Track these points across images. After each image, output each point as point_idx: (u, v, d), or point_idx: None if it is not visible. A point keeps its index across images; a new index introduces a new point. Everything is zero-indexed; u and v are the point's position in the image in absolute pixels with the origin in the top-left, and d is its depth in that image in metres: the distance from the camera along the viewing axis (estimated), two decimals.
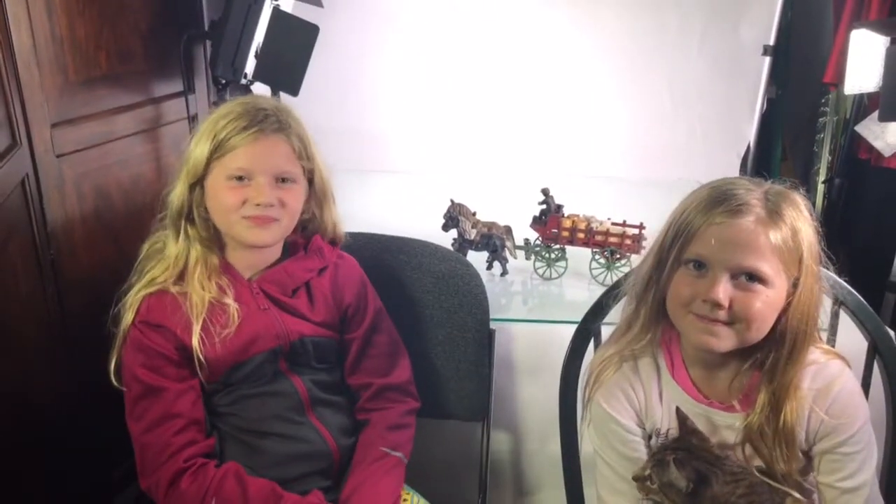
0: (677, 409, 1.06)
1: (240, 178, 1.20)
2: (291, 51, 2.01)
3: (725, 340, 1.00)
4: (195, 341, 1.19)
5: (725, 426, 1.07)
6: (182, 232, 1.25)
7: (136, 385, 1.22)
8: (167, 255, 1.26)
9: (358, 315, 1.34)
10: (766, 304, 0.99)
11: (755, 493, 1.01)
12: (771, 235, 0.98)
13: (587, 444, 1.24)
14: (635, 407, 1.11)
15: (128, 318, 1.24)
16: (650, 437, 1.12)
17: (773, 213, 0.99)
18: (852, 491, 1.04)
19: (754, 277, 0.98)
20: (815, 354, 1.06)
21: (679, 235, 1.02)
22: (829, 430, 1.03)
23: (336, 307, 1.32)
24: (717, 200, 1.00)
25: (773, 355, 1.03)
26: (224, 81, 1.99)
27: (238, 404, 1.25)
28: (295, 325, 1.26)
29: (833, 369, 1.06)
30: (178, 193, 1.25)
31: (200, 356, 1.20)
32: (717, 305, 0.98)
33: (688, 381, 1.09)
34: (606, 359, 1.13)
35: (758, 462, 1.05)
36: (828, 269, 1.08)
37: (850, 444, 1.03)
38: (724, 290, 0.98)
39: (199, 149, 1.22)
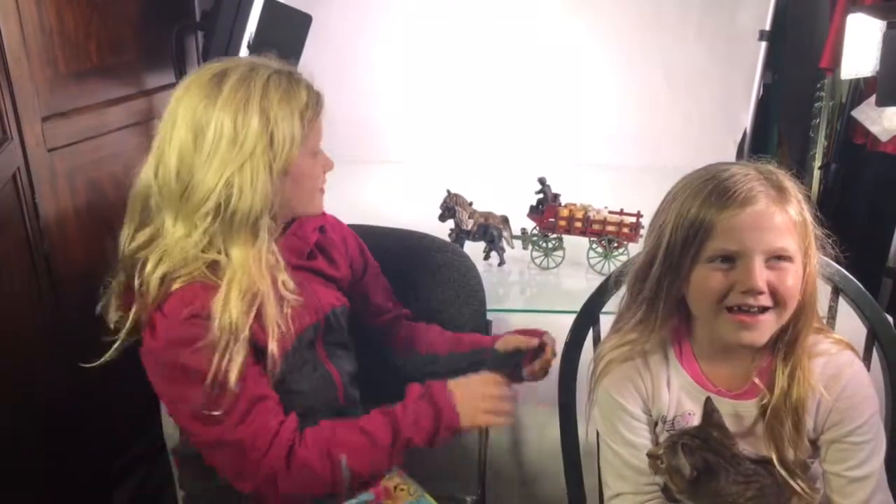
0: (707, 399, 1.05)
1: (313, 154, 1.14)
2: (284, 41, 2.00)
3: (765, 331, 1.01)
4: (273, 348, 1.07)
5: (732, 415, 1.07)
6: (259, 233, 1.07)
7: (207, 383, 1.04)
8: (201, 256, 1.06)
9: (363, 256, 1.36)
10: (796, 279, 1.00)
11: (764, 495, 1.01)
12: (789, 210, 1.00)
13: (585, 432, 1.24)
14: (642, 394, 1.11)
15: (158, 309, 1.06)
16: (656, 424, 1.12)
17: (780, 190, 1.00)
18: (860, 480, 1.04)
19: (782, 257, 0.99)
20: (826, 345, 1.07)
21: (692, 235, 1.00)
22: (838, 419, 1.04)
23: (348, 256, 1.31)
24: (723, 194, 0.99)
25: (788, 331, 1.03)
26: None
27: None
28: (327, 298, 1.22)
29: (844, 359, 1.06)
30: (260, 189, 1.04)
31: (276, 356, 1.08)
32: (758, 292, 0.98)
33: (696, 369, 1.10)
34: (616, 349, 1.12)
35: (764, 451, 1.05)
36: (828, 238, 1.08)
37: (859, 433, 1.03)
38: (761, 276, 0.98)
39: (284, 130, 1.06)
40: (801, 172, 1.08)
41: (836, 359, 1.06)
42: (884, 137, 2.12)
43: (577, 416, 1.25)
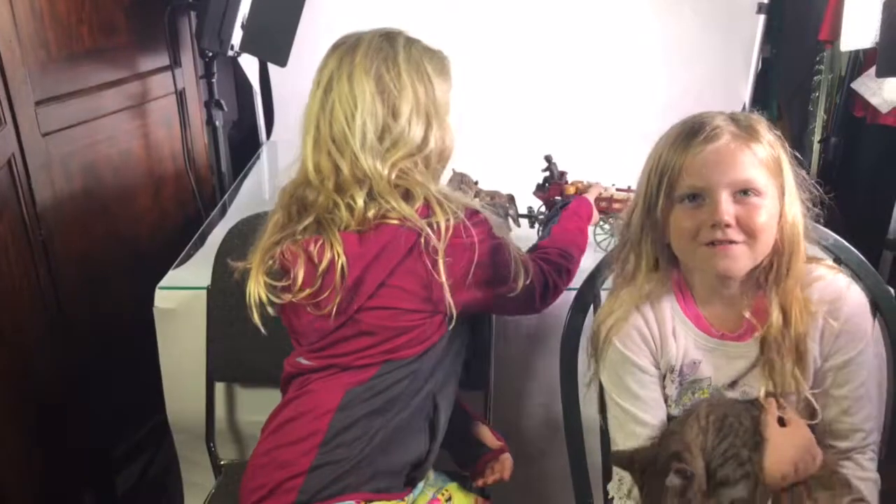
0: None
1: None
2: (278, 20, 1.98)
3: (740, 260, 1.02)
4: None
5: (736, 357, 1.09)
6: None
7: None
8: None
9: None
10: (768, 214, 1.02)
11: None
12: (752, 147, 1.02)
13: (588, 407, 1.25)
14: (651, 347, 1.12)
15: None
16: (664, 377, 1.13)
17: (747, 128, 1.03)
18: (864, 397, 1.07)
19: (749, 191, 1.01)
20: (821, 270, 1.09)
21: (664, 177, 1.04)
22: (845, 342, 1.06)
23: None
24: (690, 133, 1.03)
25: (774, 267, 1.05)
26: (211, 54, 1.96)
27: None
28: None
29: (842, 282, 1.08)
30: (452, 136, 1.22)
31: None
32: (725, 226, 1.00)
33: (698, 315, 1.11)
34: (616, 309, 1.13)
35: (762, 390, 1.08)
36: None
37: (864, 353, 1.06)
38: (727, 209, 1.00)
39: (446, 91, 1.21)
40: (800, 146, 1.10)
41: (834, 282, 1.08)
42: (884, 109, 2.11)
43: (579, 391, 1.26)
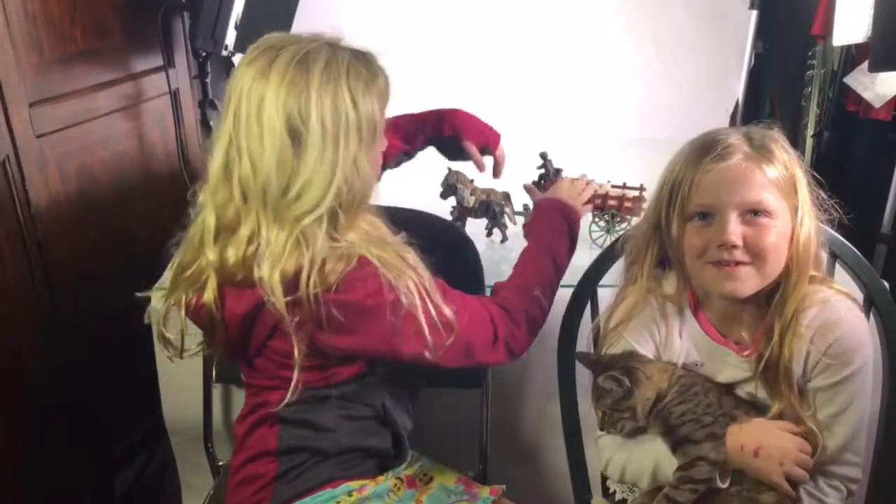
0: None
1: None
2: (272, 20, 1.96)
3: (747, 282, 1.01)
4: None
5: (738, 366, 1.09)
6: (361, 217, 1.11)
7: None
8: None
9: None
10: (778, 236, 1.01)
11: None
12: (764, 168, 1.01)
13: (586, 406, 1.25)
14: (656, 340, 1.13)
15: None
16: None
17: (760, 148, 1.03)
18: (839, 425, 1.05)
19: (759, 212, 1.00)
20: (823, 294, 1.07)
21: (675, 192, 1.04)
22: (826, 367, 1.04)
23: None
24: (703, 150, 1.03)
25: (780, 289, 1.05)
26: (204, 54, 1.96)
27: None
28: None
29: (841, 308, 1.06)
30: (364, 175, 1.05)
31: None
32: (732, 246, 0.99)
33: (708, 322, 1.12)
34: (631, 301, 1.14)
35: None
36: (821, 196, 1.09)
37: (848, 381, 1.04)
38: (734, 230, 1.00)
39: (370, 116, 1.03)
40: (793, 141, 1.11)
41: (833, 307, 1.06)
42: (876, 104, 2.12)
43: (577, 389, 1.26)
